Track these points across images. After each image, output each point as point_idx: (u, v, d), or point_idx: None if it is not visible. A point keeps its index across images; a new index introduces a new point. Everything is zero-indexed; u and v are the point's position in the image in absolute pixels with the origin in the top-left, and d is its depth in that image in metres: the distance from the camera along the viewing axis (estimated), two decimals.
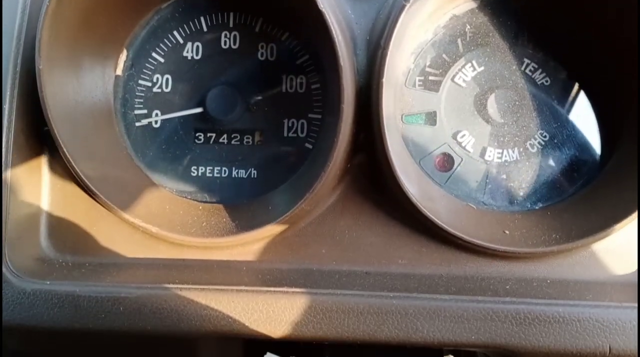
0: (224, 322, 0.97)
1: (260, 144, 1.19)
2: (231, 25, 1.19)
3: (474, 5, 1.15)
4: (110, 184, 1.09)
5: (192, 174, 1.19)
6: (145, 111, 1.20)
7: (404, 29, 1.01)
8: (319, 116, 1.17)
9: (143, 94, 1.20)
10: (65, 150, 1.02)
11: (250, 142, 1.19)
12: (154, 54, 1.20)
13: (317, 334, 0.96)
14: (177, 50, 1.20)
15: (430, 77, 1.15)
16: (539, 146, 1.13)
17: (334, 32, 0.98)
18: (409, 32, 1.06)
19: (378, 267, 1.08)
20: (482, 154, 1.14)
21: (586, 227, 1.03)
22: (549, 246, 1.03)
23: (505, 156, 1.13)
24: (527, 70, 1.14)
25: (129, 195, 1.12)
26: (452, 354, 1.47)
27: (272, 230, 1.07)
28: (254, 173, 1.18)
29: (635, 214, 0.99)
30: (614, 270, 1.06)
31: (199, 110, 1.17)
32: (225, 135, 1.19)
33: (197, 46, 1.19)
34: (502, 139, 1.14)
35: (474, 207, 1.13)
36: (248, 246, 1.10)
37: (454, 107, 1.15)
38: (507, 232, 1.07)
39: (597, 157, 1.13)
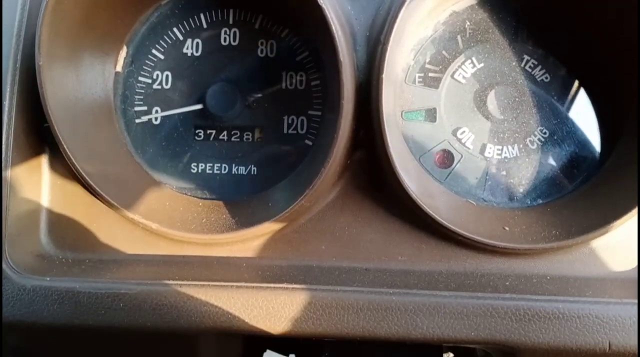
0: (223, 318, 0.97)
1: (260, 141, 1.19)
2: (231, 22, 1.19)
3: (473, 1, 1.15)
4: (110, 181, 1.09)
5: (192, 170, 1.19)
6: (145, 108, 1.20)
7: (404, 24, 1.01)
8: (319, 113, 1.17)
9: (143, 91, 1.20)
10: (65, 146, 1.03)
11: (250, 139, 1.19)
12: (153, 51, 1.20)
13: (317, 330, 0.96)
14: (177, 47, 1.20)
15: (430, 74, 1.15)
16: (539, 143, 1.13)
17: (333, 28, 0.98)
18: (408, 28, 1.06)
19: (378, 263, 1.08)
20: (482, 150, 1.14)
21: (586, 224, 1.03)
22: (548, 242, 1.03)
23: (505, 153, 1.13)
24: (527, 67, 1.14)
25: (129, 192, 1.12)
26: (451, 352, 1.47)
27: (271, 226, 1.07)
28: (253, 170, 1.18)
29: (635, 211, 0.99)
30: (614, 266, 1.05)
31: (198, 107, 1.17)
32: (225, 132, 1.19)
33: (197, 43, 1.19)
34: (501, 135, 1.14)
35: (474, 203, 1.13)
36: (248, 242, 1.10)
37: (453, 104, 1.15)
38: (506, 228, 1.07)
39: (597, 154, 1.13)
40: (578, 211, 1.07)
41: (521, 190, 1.13)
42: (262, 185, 1.17)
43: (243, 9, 1.19)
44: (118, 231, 1.11)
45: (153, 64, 1.20)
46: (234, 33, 1.19)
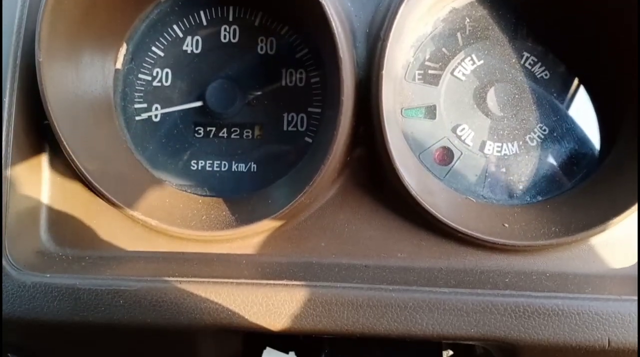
0: (223, 315, 0.97)
1: (260, 138, 1.19)
2: (231, 19, 1.19)
3: None
4: (110, 178, 1.09)
5: (191, 167, 1.19)
6: (145, 105, 1.20)
7: (404, 21, 1.01)
8: (319, 110, 1.17)
9: (143, 88, 1.20)
10: (65, 144, 1.03)
11: (250, 136, 1.19)
12: (153, 48, 1.20)
13: (317, 326, 0.97)
14: (176, 44, 1.20)
15: (430, 71, 1.15)
16: (539, 140, 1.13)
17: (333, 25, 0.98)
18: (408, 25, 1.06)
19: (377, 260, 1.09)
20: (482, 147, 1.14)
21: (585, 221, 1.03)
22: (548, 239, 1.03)
23: (505, 150, 1.14)
24: (526, 64, 1.14)
25: (129, 189, 1.12)
26: (450, 349, 1.47)
27: (271, 223, 1.07)
28: (253, 167, 1.18)
29: (635, 207, 0.99)
30: (613, 263, 1.06)
31: (198, 104, 1.17)
32: (225, 129, 1.19)
33: (197, 40, 1.19)
34: (501, 132, 1.14)
35: (474, 200, 1.13)
36: (248, 239, 1.10)
37: (453, 101, 1.15)
38: (506, 225, 1.07)
39: (597, 151, 1.13)
40: (577, 208, 1.08)
41: (521, 187, 1.14)
42: (261, 182, 1.17)
43: (243, 6, 1.19)
44: (118, 228, 1.11)
45: (153, 61, 1.20)
46: (234, 30, 1.19)
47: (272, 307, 0.97)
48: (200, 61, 1.19)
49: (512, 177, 1.14)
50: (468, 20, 1.15)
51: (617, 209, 1.00)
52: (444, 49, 1.15)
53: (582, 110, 1.14)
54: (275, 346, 1.57)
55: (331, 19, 0.98)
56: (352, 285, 0.98)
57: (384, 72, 0.99)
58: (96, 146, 1.11)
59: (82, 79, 1.10)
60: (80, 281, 0.99)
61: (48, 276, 1.00)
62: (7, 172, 1.04)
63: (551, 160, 1.13)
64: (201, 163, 1.19)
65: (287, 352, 1.59)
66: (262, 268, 1.07)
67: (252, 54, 1.19)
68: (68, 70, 1.07)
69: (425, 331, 0.95)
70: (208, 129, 1.20)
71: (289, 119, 1.18)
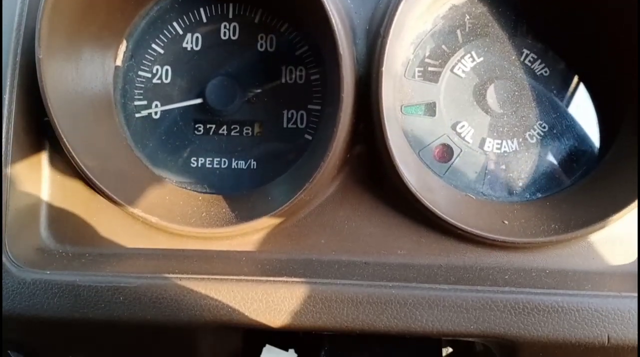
0: (223, 311, 0.97)
1: (260, 135, 1.19)
2: (230, 16, 1.19)
3: None
4: (110, 175, 1.09)
5: (191, 165, 1.19)
6: (145, 102, 1.20)
7: (404, 17, 1.01)
8: (318, 107, 1.17)
9: (143, 85, 1.20)
10: (65, 140, 1.03)
11: (250, 133, 1.19)
12: (153, 45, 1.20)
13: (317, 323, 0.97)
14: (176, 41, 1.20)
15: (430, 68, 1.15)
16: (538, 137, 1.13)
17: (333, 21, 0.98)
18: (408, 22, 1.06)
19: (377, 257, 1.09)
20: (481, 144, 1.14)
21: (585, 218, 1.03)
22: (547, 236, 1.03)
23: (505, 147, 1.14)
24: (526, 61, 1.14)
25: (129, 186, 1.12)
26: (450, 346, 1.47)
27: (271, 220, 1.07)
28: (253, 164, 1.19)
29: (635, 204, 0.99)
30: (613, 260, 1.06)
31: (198, 101, 1.17)
32: (224, 127, 1.19)
33: (197, 37, 1.19)
34: (501, 129, 1.14)
35: (473, 197, 1.13)
36: (248, 236, 1.10)
37: (453, 98, 1.15)
38: (506, 222, 1.07)
39: (596, 148, 1.13)
40: (577, 205, 1.08)
41: (520, 184, 1.14)
42: (261, 179, 1.17)
43: (242, 3, 1.19)
44: (118, 225, 1.11)
45: (153, 58, 1.20)
46: (234, 27, 1.19)
47: (272, 304, 0.97)
48: (200, 58, 1.19)
49: (511, 174, 1.14)
50: (468, 17, 1.15)
51: (617, 206, 1.00)
52: (443, 46, 1.15)
53: (582, 108, 1.14)
54: (275, 343, 1.57)
55: (331, 16, 0.98)
56: (352, 282, 0.98)
57: (384, 69, 0.99)
58: (96, 143, 1.11)
59: (82, 76, 1.10)
60: (80, 277, 0.99)
61: (48, 272, 1.00)
62: (7, 169, 1.04)
63: (551, 157, 1.13)
64: (201, 160, 1.19)
65: (287, 350, 1.59)
66: (262, 265, 1.07)
67: (252, 51, 1.19)
68: (68, 67, 1.07)
69: (425, 328, 0.95)
70: (208, 126, 1.20)
71: (289, 116, 1.18)
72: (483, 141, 1.14)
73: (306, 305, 0.97)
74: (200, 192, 1.18)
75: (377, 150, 1.06)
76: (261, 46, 1.19)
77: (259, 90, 1.18)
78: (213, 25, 1.19)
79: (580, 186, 1.12)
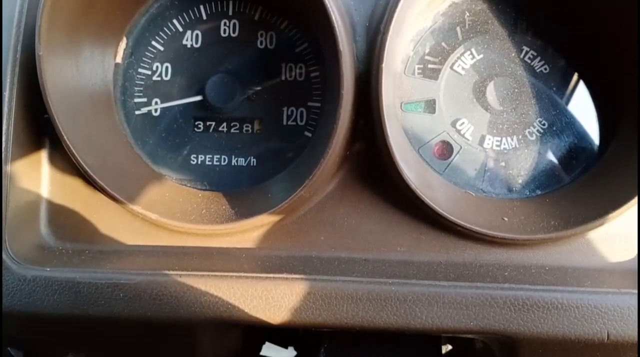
0: (223, 308, 0.97)
1: (260, 133, 1.19)
2: (230, 13, 1.19)
3: None
4: (110, 172, 1.09)
5: (191, 162, 1.19)
6: (144, 99, 1.20)
7: (404, 14, 1.01)
8: (318, 105, 1.17)
9: (143, 82, 1.20)
10: (65, 137, 1.03)
11: (250, 131, 1.19)
12: (153, 42, 1.20)
13: (316, 320, 0.97)
14: (176, 39, 1.20)
15: (430, 65, 1.15)
16: (538, 134, 1.13)
17: (333, 18, 0.98)
18: (408, 18, 1.06)
19: (377, 254, 1.09)
20: (481, 142, 1.14)
21: (584, 215, 1.03)
22: (547, 232, 1.03)
23: (504, 144, 1.14)
24: (526, 58, 1.14)
25: (129, 183, 1.12)
26: (450, 344, 1.48)
27: (271, 217, 1.07)
28: (253, 161, 1.19)
29: (635, 201, 0.99)
30: (613, 257, 1.06)
31: (198, 98, 1.17)
32: (224, 124, 1.19)
33: (197, 34, 1.20)
34: (500, 126, 1.14)
35: (473, 194, 1.13)
36: (247, 233, 1.10)
37: (453, 95, 1.15)
38: (505, 219, 1.07)
39: (596, 145, 1.13)
40: (577, 201, 1.08)
41: (520, 181, 1.14)
42: (261, 176, 1.17)
43: (242, 0, 1.19)
44: (118, 222, 1.11)
45: (153, 56, 1.20)
46: (234, 24, 1.19)
47: (272, 300, 0.97)
48: (200, 55, 1.19)
49: (511, 171, 1.14)
50: (468, 14, 1.15)
51: (617, 203, 1.00)
52: (443, 43, 1.15)
53: (582, 105, 1.14)
54: (275, 341, 1.57)
55: (331, 13, 0.98)
56: (352, 279, 0.98)
57: (383, 65, 0.99)
58: (96, 140, 1.11)
59: (82, 73, 1.10)
60: (80, 274, 0.99)
61: (48, 269, 1.00)
62: (7, 166, 1.04)
63: (550, 154, 1.13)
64: (201, 157, 1.19)
65: (287, 347, 1.60)
66: (262, 262, 1.07)
67: (251, 49, 1.19)
68: (68, 64, 1.07)
69: (424, 324, 0.96)
70: (208, 123, 1.20)
71: (289, 113, 1.18)
72: (483, 138, 1.14)
73: (306, 302, 0.97)
74: (200, 189, 1.18)
75: (377, 148, 1.06)
76: (261, 43, 1.19)
77: (258, 88, 1.18)
78: (213, 23, 1.19)
79: (579, 183, 1.12)
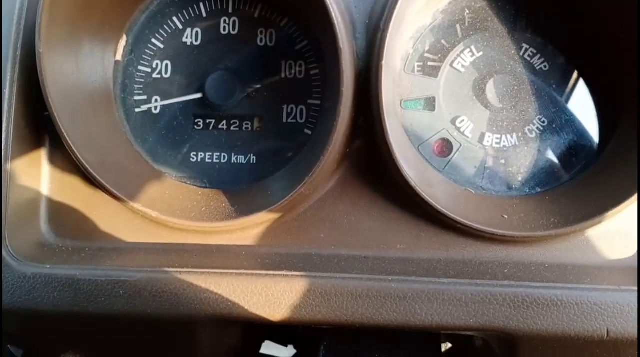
0: (223, 305, 0.97)
1: (260, 130, 1.19)
2: (230, 10, 1.19)
3: None
4: (110, 170, 1.09)
5: (191, 159, 1.19)
6: (144, 97, 1.20)
7: (404, 11, 1.01)
8: (318, 102, 1.17)
9: (142, 80, 1.20)
10: (65, 135, 1.03)
11: (250, 128, 1.19)
12: (153, 40, 1.20)
13: (316, 317, 0.97)
14: (176, 36, 1.20)
15: (429, 63, 1.15)
16: (538, 131, 1.13)
17: (333, 15, 0.98)
18: (407, 15, 1.06)
19: (377, 251, 1.09)
20: (481, 139, 1.14)
21: (584, 212, 1.03)
22: (547, 230, 1.03)
23: (504, 141, 1.14)
24: (525, 56, 1.14)
25: (129, 180, 1.12)
26: (449, 342, 1.48)
27: (271, 215, 1.07)
28: (253, 159, 1.19)
29: (634, 198, 0.99)
30: (612, 254, 1.06)
31: (198, 96, 1.17)
32: (224, 121, 1.19)
33: (197, 32, 1.19)
34: (500, 124, 1.14)
35: (473, 192, 1.13)
36: (247, 230, 1.10)
37: (452, 93, 1.15)
38: (505, 216, 1.07)
39: (596, 142, 1.14)
40: (576, 199, 1.08)
41: (520, 178, 1.14)
42: (261, 174, 1.17)
43: None
44: (118, 220, 1.11)
45: (152, 53, 1.20)
46: (234, 22, 1.19)
47: (272, 297, 0.97)
48: (200, 53, 1.19)
49: (511, 169, 1.14)
50: (467, 11, 1.15)
51: (616, 200, 1.00)
52: (443, 41, 1.15)
53: (581, 102, 1.14)
54: (274, 340, 1.57)
55: (331, 10, 0.98)
56: (352, 276, 0.98)
57: (383, 62, 0.99)
58: (96, 138, 1.11)
59: (82, 71, 1.10)
60: (80, 271, 0.99)
61: (48, 266, 1.01)
62: (8, 164, 1.04)
63: (550, 152, 1.14)
64: (201, 155, 1.19)
65: (286, 346, 1.60)
66: (262, 259, 1.07)
67: (251, 46, 1.19)
68: (68, 61, 1.07)
69: (424, 321, 0.96)
70: (208, 121, 1.20)
71: (289, 111, 1.18)
72: (482, 136, 1.14)
73: (306, 299, 0.97)
74: (200, 186, 1.18)
75: (377, 145, 1.06)
76: (261, 41, 1.19)
77: (258, 85, 1.18)
78: (213, 20, 1.19)
79: (579, 181, 1.12)
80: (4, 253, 1.01)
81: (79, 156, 1.04)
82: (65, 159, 1.10)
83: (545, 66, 1.14)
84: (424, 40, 1.15)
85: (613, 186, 1.04)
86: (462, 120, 1.14)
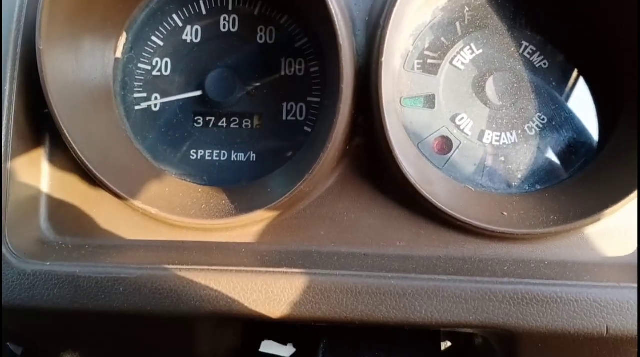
0: (223, 302, 0.97)
1: (259, 128, 1.19)
2: (230, 8, 1.19)
3: None
4: (110, 167, 1.09)
5: (191, 157, 1.19)
6: (144, 94, 1.20)
7: (404, 8, 1.01)
8: (318, 100, 1.17)
9: (142, 78, 1.20)
10: (65, 132, 1.03)
11: (249, 126, 1.19)
12: (153, 37, 1.20)
13: (316, 314, 0.97)
14: (176, 34, 1.20)
15: (429, 60, 1.15)
16: (537, 129, 1.14)
17: (333, 12, 0.98)
18: (407, 13, 1.06)
19: (376, 248, 1.09)
20: (481, 137, 1.14)
21: (584, 209, 1.03)
22: (546, 227, 1.03)
23: (504, 139, 1.14)
24: (525, 53, 1.14)
25: (129, 178, 1.12)
26: (449, 340, 1.48)
27: (270, 212, 1.07)
28: (253, 156, 1.19)
29: (634, 195, 0.99)
30: (612, 251, 1.06)
31: (198, 93, 1.17)
32: (224, 119, 1.19)
33: (197, 29, 1.19)
34: (500, 121, 1.14)
35: (472, 189, 1.13)
36: (247, 227, 1.10)
37: (452, 90, 1.15)
38: (505, 214, 1.07)
39: (595, 140, 1.14)
40: (576, 196, 1.08)
41: (519, 176, 1.14)
42: (261, 171, 1.17)
43: None
44: (118, 217, 1.11)
45: (152, 51, 1.20)
46: (233, 19, 1.19)
47: (272, 294, 0.97)
48: (200, 50, 1.19)
49: (510, 166, 1.14)
50: (467, 9, 1.15)
51: (616, 198, 1.00)
52: (443, 39, 1.15)
53: (581, 100, 1.14)
54: (274, 338, 1.58)
55: (331, 7, 0.98)
56: (351, 273, 0.98)
57: (383, 60, 0.99)
58: (96, 135, 1.11)
59: (82, 68, 1.10)
60: (80, 269, 0.99)
61: (48, 264, 1.00)
62: (7, 161, 1.04)
63: (550, 149, 1.14)
64: (200, 152, 1.19)
65: (285, 344, 1.60)
66: (262, 256, 1.07)
67: (251, 44, 1.19)
68: (68, 58, 1.07)
69: (424, 318, 0.96)
70: (207, 118, 1.20)
71: (288, 108, 1.18)
72: (482, 133, 1.14)
73: (305, 296, 0.97)
74: (200, 184, 1.18)
75: (377, 143, 1.06)
76: (261, 38, 1.19)
77: (258, 83, 1.18)
78: (213, 18, 1.19)
79: (579, 178, 1.12)
80: (4, 250, 1.01)
81: (79, 153, 1.04)
82: (65, 156, 1.10)
83: (545, 64, 1.14)
84: (424, 38, 1.15)
85: (613, 183, 1.04)
86: (462, 118, 1.14)
